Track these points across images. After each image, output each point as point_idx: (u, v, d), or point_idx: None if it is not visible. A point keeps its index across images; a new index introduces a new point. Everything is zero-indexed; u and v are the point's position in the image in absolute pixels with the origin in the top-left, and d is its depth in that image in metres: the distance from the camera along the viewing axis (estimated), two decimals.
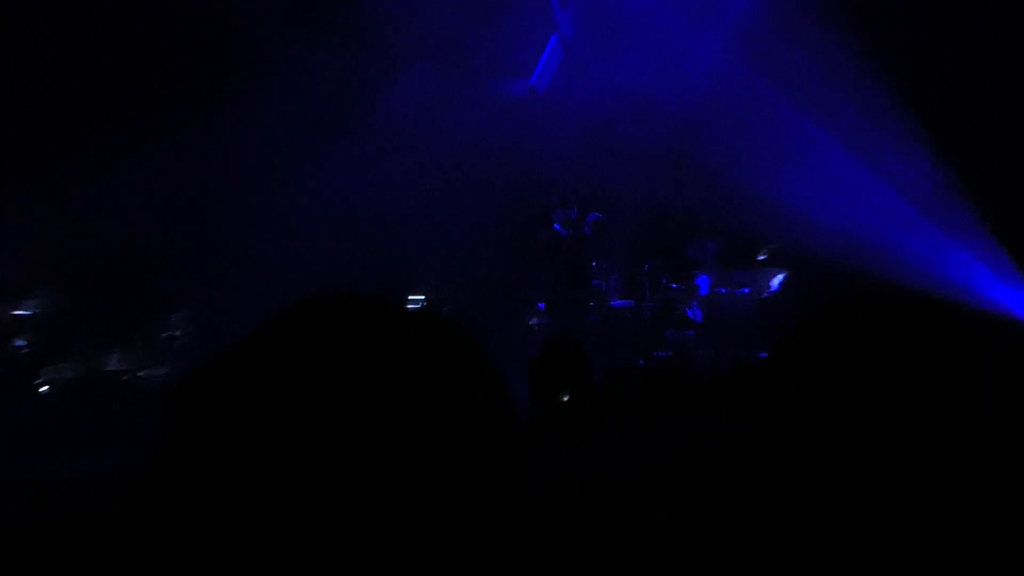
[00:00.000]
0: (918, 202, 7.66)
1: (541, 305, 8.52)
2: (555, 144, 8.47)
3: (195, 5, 7.45)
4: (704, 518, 0.96)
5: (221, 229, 7.75)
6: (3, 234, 6.71)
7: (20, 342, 7.24)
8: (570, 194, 8.49)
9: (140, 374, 7.34)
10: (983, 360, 0.93)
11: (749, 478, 0.96)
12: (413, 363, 0.75)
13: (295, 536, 0.67)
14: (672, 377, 2.79)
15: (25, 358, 7.18)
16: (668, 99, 8.29)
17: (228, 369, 0.72)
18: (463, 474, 0.71)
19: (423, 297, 8.66)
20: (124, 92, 7.58)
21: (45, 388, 7.07)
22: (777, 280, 8.44)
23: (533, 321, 8.53)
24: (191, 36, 7.60)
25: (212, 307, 7.25)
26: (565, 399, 3.03)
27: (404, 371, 0.74)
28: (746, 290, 8.46)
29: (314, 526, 0.68)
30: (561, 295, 8.43)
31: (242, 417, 0.70)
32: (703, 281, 8.65)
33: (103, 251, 7.06)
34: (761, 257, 8.59)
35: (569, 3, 8.68)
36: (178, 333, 7.89)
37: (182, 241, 7.57)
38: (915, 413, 0.91)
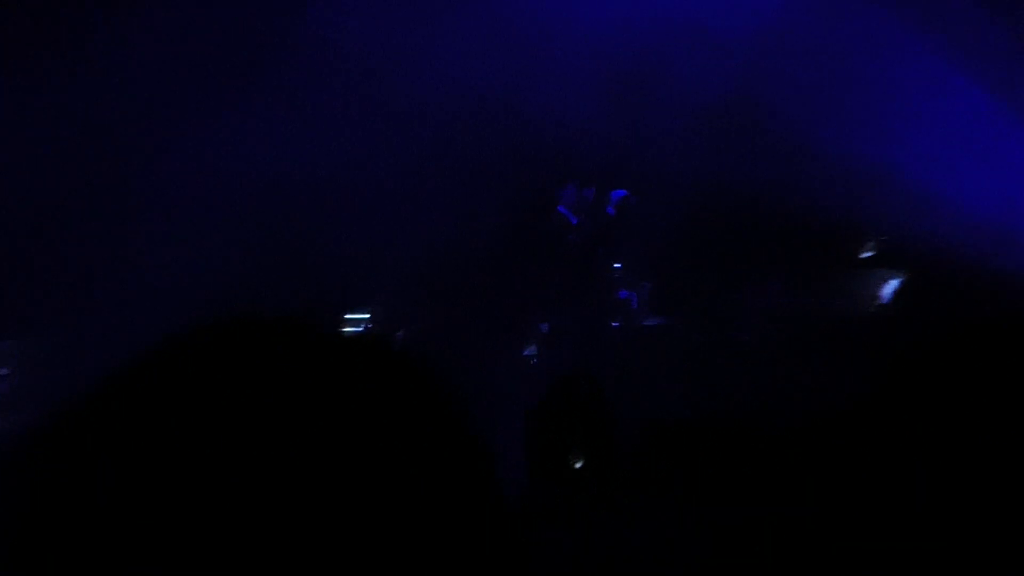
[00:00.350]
0: None
1: (543, 327, 8.77)
2: (567, 92, 8.74)
3: None
4: None
5: (64, 220, 7.93)
6: None
7: None
8: (587, 165, 8.81)
9: None
10: None
11: None
12: (346, 419, 0.77)
13: None
14: (731, 434, 2.89)
15: None
16: (734, 27, 8.61)
17: (72, 434, 0.75)
18: None
19: (368, 316, 8.94)
20: None
21: None
22: (889, 288, 8.75)
23: (531, 352, 8.83)
24: None
25: (51, 337, 7.35)
26: (578, 466, 3.14)
27: (332, 432, 0.77)
28: (839, 303, 8.73)
29: None
30: (571, 312, 8.64)
31: (94, 499, 0.74)
32: (775, 290, 8.98)
33: None
34: (865, 255, 8.93)
35: None
36: (3, 372, 8.04)
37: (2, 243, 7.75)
38: None
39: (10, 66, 7.69)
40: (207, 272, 7.49)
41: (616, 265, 9.02)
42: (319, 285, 8.46)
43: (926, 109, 8.52)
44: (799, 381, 8.17)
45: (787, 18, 8.61)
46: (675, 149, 8.74)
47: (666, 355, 8.87)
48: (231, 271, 7.66)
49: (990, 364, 1.00)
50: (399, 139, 8.96)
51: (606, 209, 8.77)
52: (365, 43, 8.76)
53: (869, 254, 8.95)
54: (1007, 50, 8.32)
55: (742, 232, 9.17)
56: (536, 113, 8.79)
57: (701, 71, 8.77)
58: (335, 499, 0.77)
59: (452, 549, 0.77)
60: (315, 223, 8.75)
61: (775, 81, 8.69)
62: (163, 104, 8.28)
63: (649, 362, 8.75)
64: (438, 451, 0.79)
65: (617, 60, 8.80)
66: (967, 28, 8.38)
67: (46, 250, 7.77)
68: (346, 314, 8.82)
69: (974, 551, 1.06)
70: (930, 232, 8.10)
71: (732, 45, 8.63)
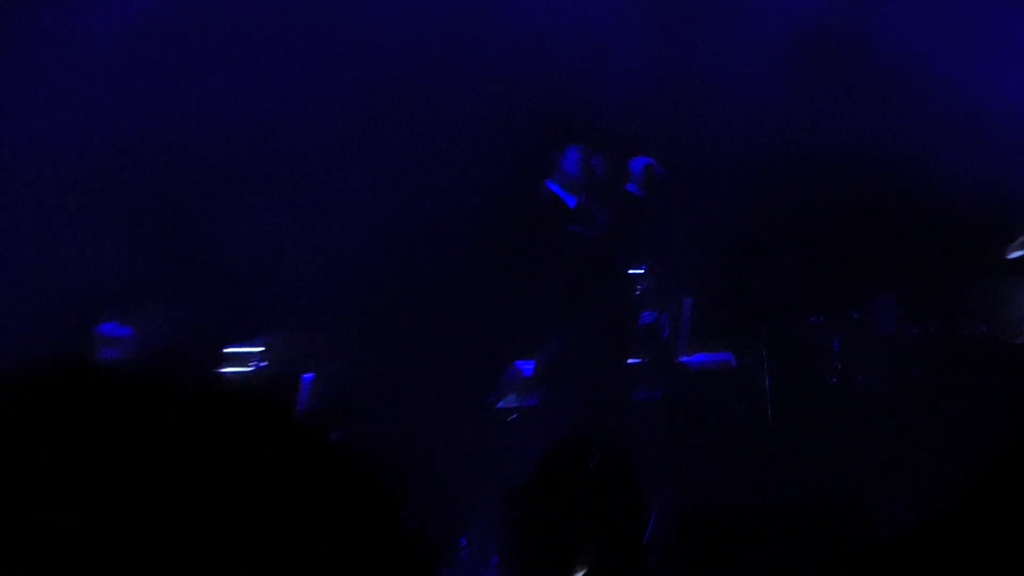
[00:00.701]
0: None
1: (527, 367, 8.93)
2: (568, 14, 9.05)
3: None
4: None
5: None
6: None
7: None
8: (598, 118, 9.00)
9: None
10: None
11: None
12: (223, 505, 0.90)
13: None
14: (826, 534, 3.07)
15: None
16: None
17: None
18: None
19: (261, 350, 9.25)
20: None
21: None
22: None
23: (509, 404, 9.10)
24: None
25: None
26: None
27: (204, 523, 0.90)
28: (981, 328, 9.00)
29: None
30: (571, 345, 8.63)
31: None
32: (882, 311, 9.33)
33: None
34: (1015, 255, 9.12)
35: None
36: None
37: None
38: None
39: None
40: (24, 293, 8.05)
41: (638, 271, 9.13)
42: (190, 307, 8.81)
43: None
44: (928, 449, 8.39)
45: None
46: (733, 97, 8.98)
47: (718, 409, 9.18)
48: (58, 284, 8.12)
49: None
50: (324, 98, 9.31)
51: (625, 186, 8.80)
52: None
53: (1021, 252, 9.18)
54: None
55: (834, 223, 9.37)
56: (524, 34, 9.12)
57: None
58: None
59: None
60: (184, 212, 9.16)
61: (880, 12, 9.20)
62: None
63: (691, 421, 9.01)
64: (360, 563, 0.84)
65: None
66: None
67: None
68: (229, 347, 9.10)
69: None
70: None
71: None
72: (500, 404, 9.05)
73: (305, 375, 8.83)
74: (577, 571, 3.31)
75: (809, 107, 9.07)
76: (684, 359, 9.28)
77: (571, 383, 8.52)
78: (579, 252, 8.63)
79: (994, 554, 2.84)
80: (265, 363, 9.11)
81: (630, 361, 8.93)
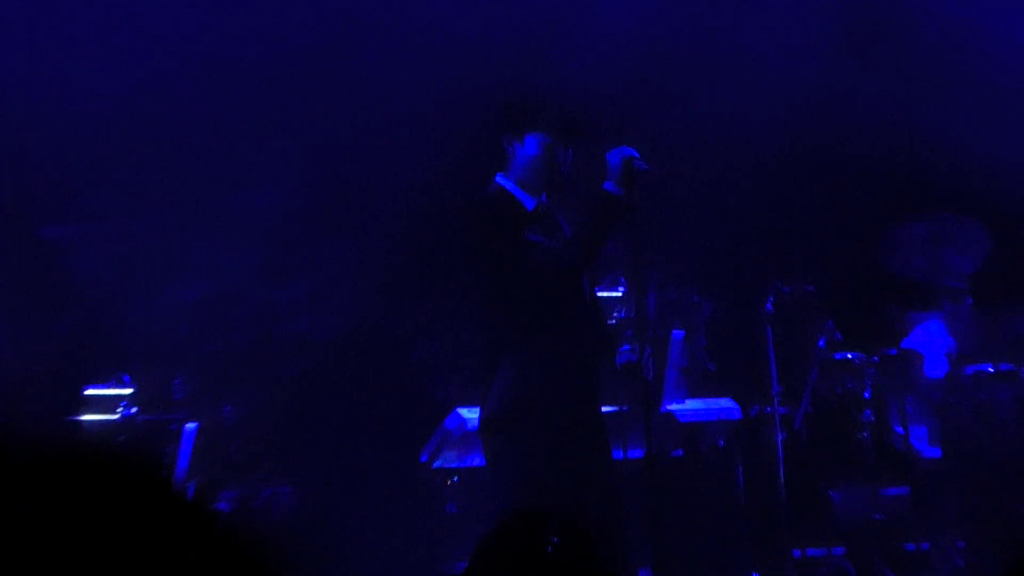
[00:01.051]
0: None
1: (466, 415, 8.65)
2: None
3: None
4: None
5: None
6: None
7: None
8: (566, 99, 8.39)
9: None
10: None
11: None
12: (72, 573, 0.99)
13: None
14: None
15: None
16: None
17: None
18: None
19: (130, 392, 8.89)
20: None
21: None
22: None
23: (449, 461, 8.96)
24: None
25: None
26: None
27: None
28: None
29: None
30: (527, 382, 7.75)
31: None
32: (932, 353, 9.24)
33: None
34: None
35: None
36: None
37: None
38: None
39: None
40: None
41: (614, 292, 9.03)
42: (41, 335, 9.01)
43: None
44: (971, 513, 8.85)
45: None
46: (748, 73, 9.10)
47: (715, 474, 9.09)
48: None
49: None
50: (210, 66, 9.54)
51: (601, 185, 8.01)
52: None
53: None
54: None
55: (867, 234, 9.28)
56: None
57: None
58: None
59: None
60: (31, 220, 9.40)
61: None
62: None
63: (681, 487, 8.86)
64: None
65: None
66: None
67: None
68: (88, 387, 8.79)
69: None
70: None
71: None
72: (436, 464, 8.88)
73: (186, 426, 8.54)
74: None
75: (841, 86, 9.16)
76: (672, 407, 9.01)
77: (526, 436, 7.57)
78: (538, 267, 7.77)
79: None
80: (135, 409, 8.71)
81: (604, 409, 8.07)
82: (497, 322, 7.96)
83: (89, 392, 8.80)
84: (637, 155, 7.80)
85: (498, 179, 7.83)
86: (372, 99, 9.52)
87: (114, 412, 8.73)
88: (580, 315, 7.96)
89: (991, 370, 9.22)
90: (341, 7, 9.80)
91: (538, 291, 7.78)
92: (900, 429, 9.46)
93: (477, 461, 8.55)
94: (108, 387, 8.88)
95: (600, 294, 8.51)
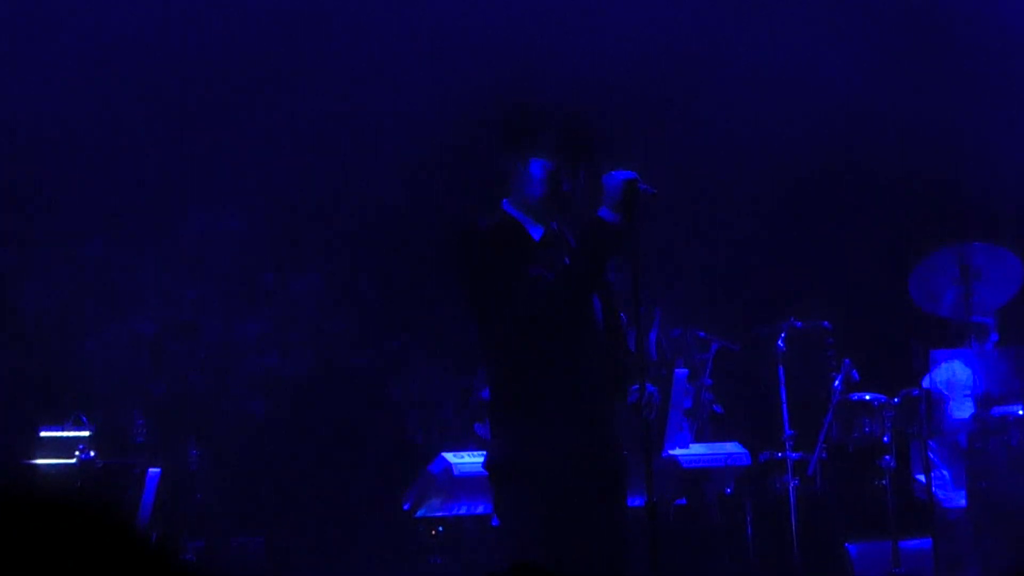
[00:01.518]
0: None
1: (453, 460, 8.53)
2: None
3: None
4: None
5: None
6: None
7: None
8: (571, 113, 7.92)
9: None
10: None
11: None
12: None
13: None
14: None
15: None
16: None
17: None
18: None
19: (88, 434, 8.78)
20: None
21: None
22: None
23: (433, 509, 8.76)
24: None
25: None
26: None
27: None
28: None
29: None
30: (523, 428, 7.11)
31: None
32: (956, 393, 9.19)
33: None
34: None
35: None
36: None
37: None
38: None
39: None
40: None
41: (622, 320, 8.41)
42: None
43: None
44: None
45: None
46: (770, 77, 9.15)
47: (722, 525, 9.12)
48: None
49: None
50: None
51: (598, 211, 7.31)
52: None
53: None
54: None
55: (897, 255, 9.25)
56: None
57: None
58: None
59: None
60: None
61: None
62: None
63: (684, 540, 8.87)
64: None
65: None
66: None
67: None
68: (43, 428, 8.65)
69: None
70: None
71: None
72: (419, 512, 8.65)
73: (149, 470, 8.29)
74: None
75: (860, 109, 9.40)
76: (675, 452, 8.82)
77: (520, 485, 6.79)
78: (528, 302, 7.10)
79: None
80: (93, 453, 8.46)
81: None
82: (496, 360, 7.21)
83: (44, 434, 8.63)
84: (637, 177, 6.97)
85: (504, 206, 7.06)
86: (342, 117, 9.42)
87: (71, 456, 8.56)
88: (589, 350, 7.21)
89: (1020, 412, 8.82)
90: (303, 28, 9.72)
91: (534, 328, 7.07)
92: (922, 476, 9.15)
93: (464, 509, 8.46)
94: (65, 429, 8.75)
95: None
